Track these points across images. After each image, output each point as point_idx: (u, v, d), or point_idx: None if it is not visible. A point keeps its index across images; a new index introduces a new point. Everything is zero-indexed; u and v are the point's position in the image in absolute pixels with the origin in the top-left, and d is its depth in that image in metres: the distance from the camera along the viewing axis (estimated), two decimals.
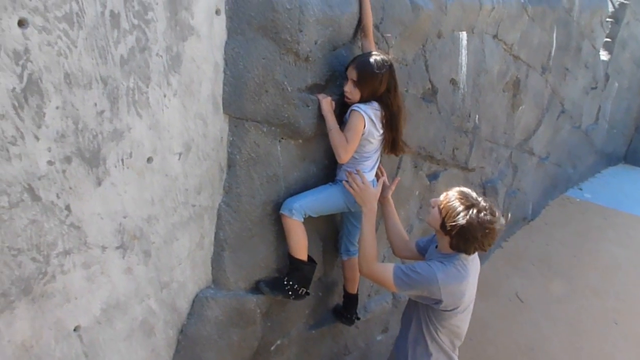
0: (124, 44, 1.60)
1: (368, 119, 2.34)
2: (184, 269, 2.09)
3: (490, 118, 4.49)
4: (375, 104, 2.38)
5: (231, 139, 2.12)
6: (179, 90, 1.83)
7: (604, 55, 7.26)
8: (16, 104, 1.38)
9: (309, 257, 2.45)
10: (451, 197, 2.17)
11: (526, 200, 6.28)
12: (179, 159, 1.92)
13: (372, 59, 2.31)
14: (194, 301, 2.18)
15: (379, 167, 2.62)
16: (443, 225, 2.14)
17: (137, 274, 1.89)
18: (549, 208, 7.17)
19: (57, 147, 1.50)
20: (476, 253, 2.24)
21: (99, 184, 1.66)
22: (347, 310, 2.95)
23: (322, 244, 2.78)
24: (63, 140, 1.51)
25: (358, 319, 2.98)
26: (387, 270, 2.19)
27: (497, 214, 2.12)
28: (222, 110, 2.05)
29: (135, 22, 1.61)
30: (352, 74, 2.32)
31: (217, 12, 1.90)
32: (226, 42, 1.98)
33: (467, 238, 2.08)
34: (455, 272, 2.11)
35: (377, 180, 2.58)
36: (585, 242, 6.22)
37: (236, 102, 2.05)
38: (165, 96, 1.79)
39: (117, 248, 1.78)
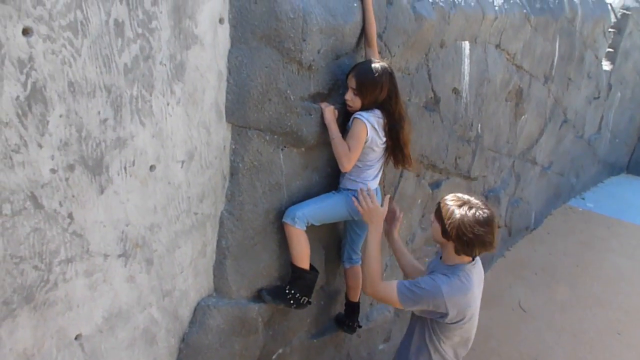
0: (128, 53, 1.60)
1: (370, 127, 2.34)
2: (186, 277, 2.08)
3: (493, 127, 4.49)
4: (378, 112, 2.38)
5: (234, 147, 2.12)
6: (182, 99, 1.84)
7: (606, 65, 7.27)
8: (20, 112, 1.38)
9: (311, 265, 2.45)
10: (444, 202, 2.18)
11: (529, 210, 6.27)
12: (181, 167, 1.92)
13: (371, 66, 2.32)
14: (195, 309, 2.17)
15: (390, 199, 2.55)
16: (443, 231, 2.14)
17: (140, 282, 1.89)
18: (552, 217, 7.15)
19: (61, 155, 1.50)
20: (479, 263, 2.23)
21: (102, 192, 1.66)
22: (349, 318, 2.93)
23: (324, 252, 2.77)
24: (66, 148, 1.51)
25: (360, 327, 2.97)
26: (392, 287, 2.17)
27: (491, 209, 2.11)
28: (225, 119, 2.05)
29: (140, 30, 1.62)
30: (352, 82, 2.33)
31: (221, 21, 1.91)
32: (230, 51, 1.99)
33: (466, 237, 2.06)
34: (460, 284, 2.10)
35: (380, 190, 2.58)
36: (588, 252, 6.19)
37: (239, 111, 2.05)
38: (168, 104, 1.79)
39: (120, 256, 1.78)
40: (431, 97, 3.33)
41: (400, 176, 3.23)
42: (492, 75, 4.07)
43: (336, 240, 2.86)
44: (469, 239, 2.07)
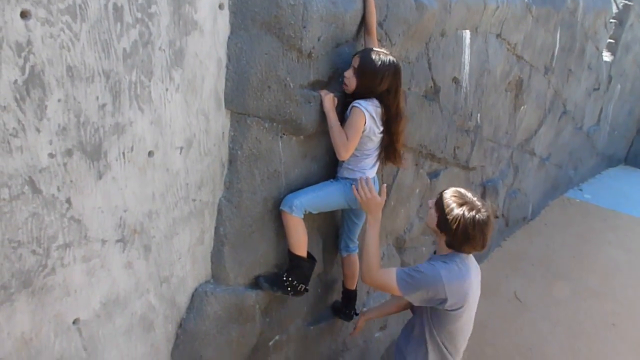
0: (127, 38, 1.59)
1: (369, 116, 2.34)
2: (184, 264, 2.09)
3: (492, 118, 4.49)
4: (376, 101, 2.37)
5: (233, 134, 2.12)
6: (181, 85, 1.83)
7: (607, 57, 7.26)
8: (18, 97, 1.37)
9: (308, 253, 2.45)
10: (446, 195, 2.19)
11: (526, 201, 6.28)
12: (180, 154, 1.92)
13: (377, 56, 2.31)
14: (193, 296, 2.18)
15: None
16: (439, 223, 2.16)
17: (137, 269, 1.89)
18: (549, 209, 7.17)
19: (59, 140, 1.50)
20: (472, 257, 2.25)
21: (100, 177, 1.65)
22: (345, 306, 2.95)
23: (322, 240, 2.78)
24: (64, 133, 1.51)
25: (357, 314, 2.98)
26: (390, 274, 2.18)
27: (490, 214, 2.13)
28: (224, 106, 2.05)
29: (139, 15, 1.60)
30: (355, 61, 2.34)
31: (221, 7, 1.90)
32: (229, 38, 1.98)
33: (460, 236, 2.10)
34: (457, 270, 2.12)
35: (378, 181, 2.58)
36: (585, 244, 6.22)
37: (238, 98, 2.05)
38: (167, 91, 1.78)
39: (118, 242, 1.78)
40: (431, 87, 3.32)
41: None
42: (493, 66, 4.06)
43: (334, 228, 2.87)
44: (462, 239, 2.10)
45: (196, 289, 2.19)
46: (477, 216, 2.08)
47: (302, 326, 2.87)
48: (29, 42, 1.36)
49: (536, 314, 4.72)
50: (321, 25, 2.17)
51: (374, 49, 2.37)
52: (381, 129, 2.42)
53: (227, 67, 2.00)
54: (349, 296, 2.93)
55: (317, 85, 2.32)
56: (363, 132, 2.36)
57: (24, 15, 1.33)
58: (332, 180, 2.56)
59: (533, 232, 6.40)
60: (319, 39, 2.19)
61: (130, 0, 1.56)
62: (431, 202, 2.27)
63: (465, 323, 2.23)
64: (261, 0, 1.96)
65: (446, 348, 2.24)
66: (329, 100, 2.32)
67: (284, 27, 2.03)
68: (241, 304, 2.33)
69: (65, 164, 1.54)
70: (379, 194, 2.37)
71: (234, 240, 2.22)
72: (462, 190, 2.21)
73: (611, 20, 6.93)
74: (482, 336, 4.23)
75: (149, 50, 1.67)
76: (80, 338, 1.76)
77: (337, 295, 3.06)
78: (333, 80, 2.42)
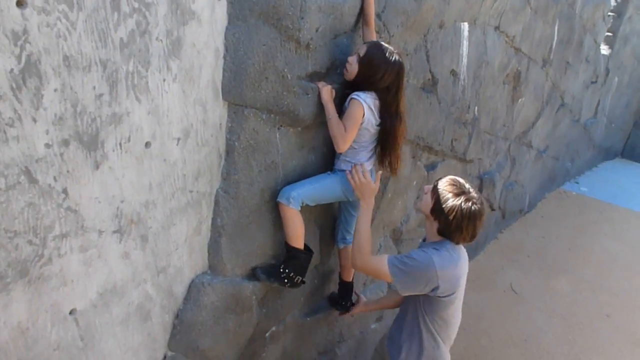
0: (124, 27, 1.58)
1: (367, 108, 2.33)
2: (181, 254, 2.09)
3: (490, 110, 4.49)
4: (374, 94, 2.37)
5: (230, 125, 2.11)
6: (178, 76, 1.82)
7: (605, 50, 7.25)
8: (14, 86, 1.36)
9: (305, 245, 2.46)
10: (443, 183, 2.20)
11: (523, 193, 6.30)
12: (177, 145, 1.91)
13: (383, 50, 2.30)
14: (190, 286, 2.19)
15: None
16: (434, 210, 2.17)
17: (134, 259, 1.89)
18: (546, 201, 7.20)
19: (55, 130, 1.49)
20: (463, 247, 2.26)
21: (97, 167, 1.65)
22: (342, 297, 2.96)
23: (318, 232, 2.79)
24: (61, 123, 1.50)
25: (353, 305, 2.99)
26: (382, 260, 2.19)
27: (484, 206, 2.14)
28: (221, 97, 2.04)
29: (136, 5, 1.59)
30: (362, 50, 2.33)
31: None
32: (227, 28, 1.97)
33: (452, 224, 2.11)
34: (449, 256, 2.13)
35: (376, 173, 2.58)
36: (581, 236, 6.25)
37: (236, 89, 2.04)
38: (164, 81, 1.77)
39: (114, 232, 1.78)
40: (429, 79, 3.31)
41: None
42: (491, 58, 4.05)
43: (330, 220, 2.87)
44: (454, 228, 2.11)
45: (193, 280, 2.19)
46: (472, 207, 2.09)
47: (299, 317, 2.88)
48: (25, 31, 1.35)
49: (531, 305, 4.75)
50: (319, 16, 2.16)
51: (384, 44, 2.36)
52: (379, 120, 2.42)
53: (224, 57, 1.99)
54: (346, 288, 2.94)
55: (315, 77, 2.31)
56: (361, 124, 2.36)
57: (20, 3, 1.32)
58: (329, 172, 2.56)
59: (529, 224, 6.43)
60: (317, 30, 2.19)
61: None
62: (427, 188, 2.27)
63: (456, 310, 2.24)
64: None
65: (439, 334, 2.25)
66: (327, 92, 2.32)
67: (282, 17, 2.02)
68: (238, 294, 2.33)
69: (61, 154, 1.53)
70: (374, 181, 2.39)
71: (231, 231, 2.23)
72: (461, 180, 2.21)
73: (609, 13, 6.91)
74: (478, 327, 4.26)
75: (146, 39, 1.66)
76: (77, 327, 1.76)
77: (333, 287, 3.07)
78: (331, 72, 2.41)
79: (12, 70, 1.35)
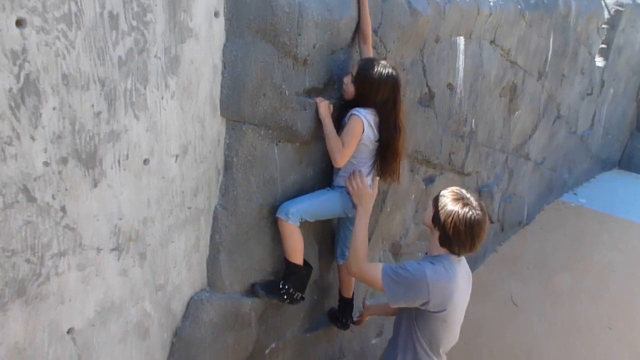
0: (123, 45, 1.59)
1: (367, 124, 2.34)
2: (180, 271, 2.08)
3: (487, 123, 4.50)
4: (374, 110, 2.38)
5: (228, 141, 2.11)
6: (176, 92, 1.83)
7: (599, 62, 7.29)
8: (13, 104, 1.37)
9: (304, 261, 2.45)
10: (444, 192, 2.20)
11: (521, 205, 6.30)
12: (175, 161, 1.91)
13: (374, 65, 2.32)
14: (189, 304, 2.17)
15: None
16: (434, 218, 2.16)
17: (132, 276, 1.88)
18: (544, 212, 7.19)
19: (54, 148, 1.49)
20: (465, 262, 2.25)
21: (95, 185, 1.65)
22: (342, 314, 2.94)
23: (318, 247, 2.78)
24: (59, 141, 1.50)
25: (353, 322, 2.98)
26: (376, 268, 2.19)
27: (485, 214, 2.13)
28: (219, 113, 2.04)
29: (134, 23, 1.60)
30: (354, 69, 2.36)
31: (216, 14, 1.90)
32: (225, 45, 1.98)
33: (450, 231, 2.09)
34: (444, 271, 2.12)
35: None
36: (580, 247, 6.23)
37: (234, 105, 2.05)
38: (163, 98, 1.78)
39: (113, 250, 1.77)
40: (426, 93, 3.33)
41: None
42: (487, 71, 4.08)
43: (330, 235, 2.87)
44: (453, 234, 2.10)
45: (192, 297, 2.18)
46: (470, 213, 2.07)
47: (299, 333, 2.86)
48: (24, 50, 1.35)
49: (532, 316, 4.72)
50: (316, 32, 2.18)
51: (375, 59, 2.38)
52: (377, 136, 2.43)
53: (222, 74, 2.00)
54: (346, 304, 2.92)
55: (312, 92, 2.32)
56: (360, 140, 2.37)
57: (20, 23, 1.33)
58: (328, 188, 2.56)
59: (528, 235, 6.41)
60: (314, 46, 2.20)
61: (125, 8, 1.56)
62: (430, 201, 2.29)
63: (450, 328, 2.20)
64: (256, 7, 1.96)
65: (431, 349, 2.23)
66: (325, 107, 2.33)
67: (279, 34, 2.03)
68: (237, 311, 2.32)
69: (60, 172, 1.53)
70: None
71: (230, 247, 2.22)
72: (462, 190, 2.21)
73: (603, 26, 6.97)
74: (478, 339, 4.23)
75: (144, 57, 1.67)
76: (74, 347, 1.74)
77: (333, 302, 3.05)
78: (328, 87, 2.42)
79: (10, 89, 1.35)
